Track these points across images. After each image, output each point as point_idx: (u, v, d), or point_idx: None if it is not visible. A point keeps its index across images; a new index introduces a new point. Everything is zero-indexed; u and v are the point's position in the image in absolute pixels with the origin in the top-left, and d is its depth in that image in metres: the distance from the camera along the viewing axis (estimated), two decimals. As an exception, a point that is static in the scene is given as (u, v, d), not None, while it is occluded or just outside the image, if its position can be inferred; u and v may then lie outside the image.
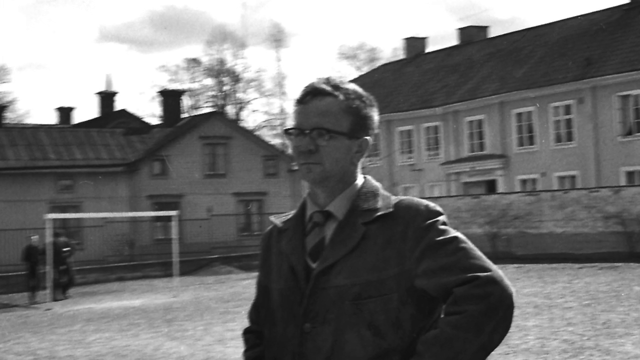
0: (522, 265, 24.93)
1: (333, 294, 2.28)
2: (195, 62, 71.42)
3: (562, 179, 37.52)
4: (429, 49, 52.87)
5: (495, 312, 2.18)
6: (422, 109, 44.15)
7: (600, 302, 14.91)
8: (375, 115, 2.43)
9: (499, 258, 25.36)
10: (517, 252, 28.24)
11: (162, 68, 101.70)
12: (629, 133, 35.53)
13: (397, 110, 45.10)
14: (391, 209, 2.33)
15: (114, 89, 55.02)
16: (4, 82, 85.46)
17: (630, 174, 35.00)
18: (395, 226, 2.30)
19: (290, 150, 2.69)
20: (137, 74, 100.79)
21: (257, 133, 56.28)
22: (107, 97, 51.72)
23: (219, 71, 71.30)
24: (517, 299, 2.25)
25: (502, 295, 2.19)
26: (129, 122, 47.06)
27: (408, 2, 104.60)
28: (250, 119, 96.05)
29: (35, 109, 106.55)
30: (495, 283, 2.20)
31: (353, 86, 2.42)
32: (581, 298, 15.77)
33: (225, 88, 71.79)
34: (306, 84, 2.40)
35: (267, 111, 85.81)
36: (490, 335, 2.18)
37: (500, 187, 39.55)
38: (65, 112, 59.64)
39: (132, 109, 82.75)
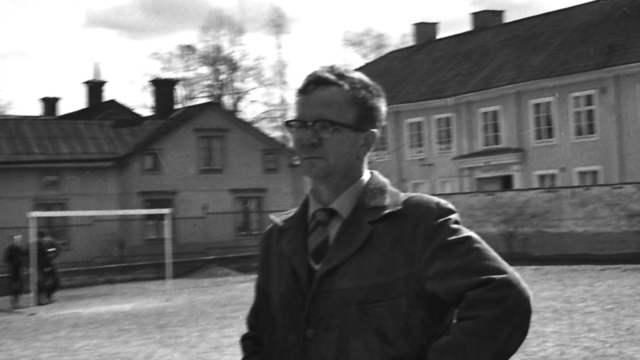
0: (540, 266, 24.94)
1: (337, 298, 2.28)
2: (189, 49, 71.53)
3: (583, 174, 37.52)
4: (440, 35, 52.95)
5: (511, 318, 2.18)
6: (432, 100, 44.16)
7: (623, 307, 14.91)
8: (382, 106, 2.43)
9: (515, 259, 25.32)
10: (535, 253, 28.25)
11: (154, 55, 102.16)
12: (655, 125, 35.53)
13: (406, 100, 45.13)
14: (400, 207, 2.33)
15: (102, 78, 54.89)
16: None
17: (656, 169, 35.01)
18: (404, 225, 2.30)
19: (291, 144, 2.69)
20: (127, 62, 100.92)
21: (256, 125, 56.35)
22: (95, 87, 51.74)
23: (215, 59, 71.34)
24: (534, 303, 2.25)
25: (518, 299, 2.19)
26: (119, 114, 47.10)
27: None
28: (249, 110, 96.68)
29: (19, 100, 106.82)
30: (511, 286, 2.20)
31: (359, 75, 2.42)
32: (603, 302, 15.78)
33: (221, 77, 71.87)
34: (309, 73, 2.40)
35: (266, 102, 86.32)
36: (506, 342, 2.18)
37: (517, 183, 39.58)
38: (50, 103, 59.69)
39: (122, 100, 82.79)
